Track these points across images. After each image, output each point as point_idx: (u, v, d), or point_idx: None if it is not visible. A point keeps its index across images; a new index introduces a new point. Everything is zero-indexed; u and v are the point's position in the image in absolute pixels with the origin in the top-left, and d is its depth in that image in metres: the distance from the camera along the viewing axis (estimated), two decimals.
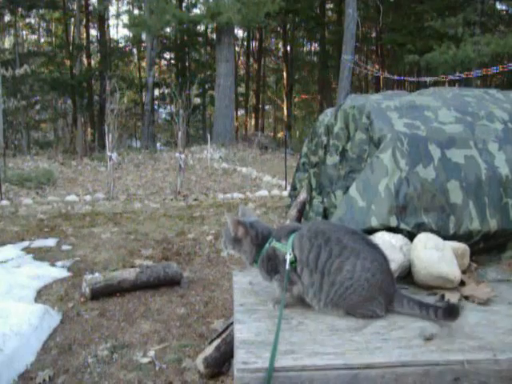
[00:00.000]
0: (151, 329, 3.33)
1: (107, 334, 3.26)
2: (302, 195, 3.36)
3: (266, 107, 34.12)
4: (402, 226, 2.13)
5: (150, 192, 10.01)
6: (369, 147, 2.47)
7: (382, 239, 2.00)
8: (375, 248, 1.74)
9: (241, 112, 31.83)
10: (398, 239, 2.04)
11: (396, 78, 16.69)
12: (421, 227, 2.13)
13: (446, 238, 2.07)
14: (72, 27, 25.25)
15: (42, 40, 30.05)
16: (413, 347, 1.48)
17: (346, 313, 1.68)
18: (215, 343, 2.64)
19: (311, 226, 1.79)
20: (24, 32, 28.79)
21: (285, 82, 28.85)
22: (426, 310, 1.64)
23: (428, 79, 13.93)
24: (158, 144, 25.51)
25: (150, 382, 2.67)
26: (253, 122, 30.81)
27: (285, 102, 29.36)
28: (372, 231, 2.12)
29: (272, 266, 1.76)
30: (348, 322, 1.65)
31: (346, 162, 2.68)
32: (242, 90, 30.41)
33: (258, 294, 1.90)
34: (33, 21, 27.53)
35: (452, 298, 1.79)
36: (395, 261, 1.93)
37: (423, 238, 2.01)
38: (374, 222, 2.15)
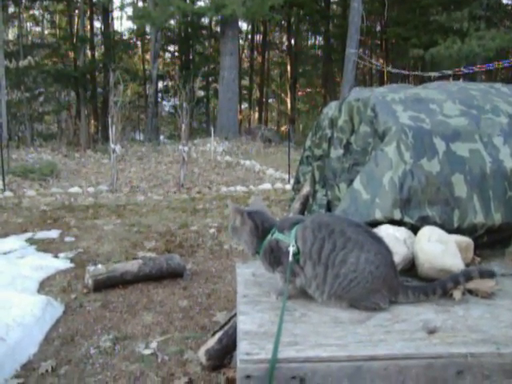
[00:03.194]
0: (153, 320, 3.34)
1: (110, 326, 3.26)
2: (306, 188, 3.33)
3: (270, 100, 34.04)
4: (406, 219, 2.12)
5: (153, 184, 10.02)
6: (373, 140, 2.46)
7: (386, 232, 1.99)
8: (379, 241, 1.73)
9: (244, 105, 31.79)
10: (401, 232, 2.03)
11: (400, 71, 16.63)
12: (425, 220, 2.12)
13: (449, 231, 2.06)
14: (76, 19, 25.16)
15: (46, 32, 29.99)
16: (416, 340, 1.47)
17: (350, 305, 1.67)
18: (217, 335, 2.64)
19: (315, 218, 1.78)
20: (28, 24, 28.77)
21: (289, 75, 28.77)
22: (433, 292, 1.73)
23: (437, 74, 13.85)
24: (162, 137, 25.47)
25: (152, 373, 2.67)
26: (256, 115, 30.75)
27: (288, 96, 29.31)
28: (376, 224, 2.11)
29: (275, 257, 1.75)
30: (351, 314, 1.64)
31: (350, 155, 2.67)
32: (245, 83, 30.31)
33: (261, 286, 1.89)
34: (37, 12, 27.49)
35: (456, 291, 1.78)
36: (399, 254, 1.92)
37: (427, 231, 2.00)
38: (378, 215, 2.14)
